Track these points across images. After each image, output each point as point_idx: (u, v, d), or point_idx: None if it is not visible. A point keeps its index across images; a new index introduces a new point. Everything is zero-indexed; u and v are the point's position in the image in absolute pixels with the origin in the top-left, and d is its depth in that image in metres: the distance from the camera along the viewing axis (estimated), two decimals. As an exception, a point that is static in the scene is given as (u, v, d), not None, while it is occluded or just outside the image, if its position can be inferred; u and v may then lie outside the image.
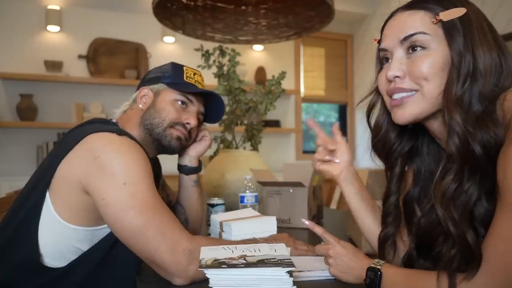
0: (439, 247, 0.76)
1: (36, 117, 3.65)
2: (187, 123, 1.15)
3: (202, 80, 1.22)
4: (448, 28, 0.71)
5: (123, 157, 0.92)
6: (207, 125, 1.29)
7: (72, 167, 0.94)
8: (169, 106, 1.13)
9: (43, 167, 1.00)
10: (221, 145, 2.00)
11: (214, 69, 1.92)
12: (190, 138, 1.19)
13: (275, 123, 4.39)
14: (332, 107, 5.14)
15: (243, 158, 1.79)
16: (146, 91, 1.16)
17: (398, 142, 0.85)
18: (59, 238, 0.96)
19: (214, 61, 1.91)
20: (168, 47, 4.15)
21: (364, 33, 4.72)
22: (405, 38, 0.74)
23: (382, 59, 0.80)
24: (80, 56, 3.87)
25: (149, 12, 2.03)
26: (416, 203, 0.85)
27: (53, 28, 3.76)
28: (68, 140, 0.99)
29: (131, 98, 1.19)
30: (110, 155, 0.92)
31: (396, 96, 0.75)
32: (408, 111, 0.74)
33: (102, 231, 0.99)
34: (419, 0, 0.76)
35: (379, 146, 0.86)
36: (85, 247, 0.98)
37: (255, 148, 1.97)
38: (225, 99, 1.90)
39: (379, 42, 0.81)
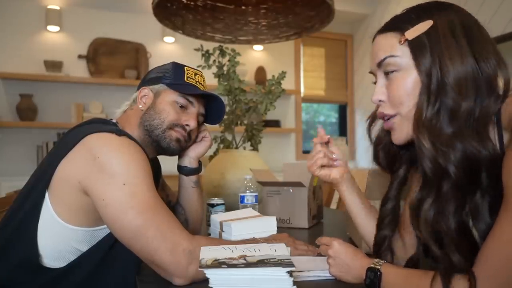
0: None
1: (36, 117, 3.65)
2: (187, 125, 1.14)
3: (204, 80, 1.22)
4: (414, 47, 0.71)
5: (123, 158, 0.92)
6: (207, 125, 1.28)
7: (71, 168, 0.94)
8: (169, 107, 1.12)
9: (42, 167, 1.00)
10: (221, 145, 2.00)
11: (214, 69, 1.92)
12: (189, 139, 1.19)
13: (275, 123, 4.39)
14: (332, 107, 5.14)
15: (243, 158, 1.79)
16: (146, 91, 1.15)
17: (404, 150, 0.85)
18: (58, 239, 0.96)
19: (214, 61, 1.91)
20: (168, 47, 4.15)
21: (364, 33, 4.72)
22: (379, 64, 0.76)
23: (374, 82, 0.82)
24: (80, 56, 3.87)
25: (149, 12, 2.03)
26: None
27: (53, 28, 3.76)
28: (67, 140, 0.98)
29: (131, 98, 1.19)
30: (110, 156, 0.91)
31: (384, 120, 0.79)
32: (396, 136, 0.77)
33: (101, 232, 0.99)
34: (392, 20, 0.77)
35: (381, 155, 0.87)
36: (84, 248, 0.98)
37: (255, 148, 1.97)
38: (225, 99, 1.91)
39: None
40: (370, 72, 0.81)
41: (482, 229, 0.66)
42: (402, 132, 0.76)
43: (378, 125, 0.87)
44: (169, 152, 1.16)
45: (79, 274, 0.97)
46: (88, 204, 0.93)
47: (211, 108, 1.23)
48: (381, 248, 0.86)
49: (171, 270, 0.85)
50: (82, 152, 0.93)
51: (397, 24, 0.75)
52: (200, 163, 1.28)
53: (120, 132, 0.97)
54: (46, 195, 0.95)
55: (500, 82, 0.68)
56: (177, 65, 1.19)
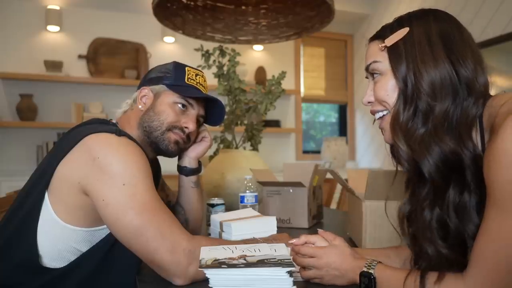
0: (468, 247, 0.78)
1: (36, 117, 3.65)
2: (186, 127, 1.14)
3: (205, 81, 1.21)
4: (391, 53, 0.76)
5: (122, 158, 0.92)
6: (207, 126, 1.28)
7: (71, 168, 0.94)
8: (168, 109, 1.12)
9: (42, 167, 1.00)
10: (221, 145, 2.00)
11: (214, 69, 1.92)
12: (189, 141, 1.18)
13: (275, 123, 4.39)
14: (332, 107, 5.14)
15: (243, 158, 1.79)
16: (147, 91, 1.15)
17: None
18: (58, 239, 0.96)
19: (214, 61, 1.91)
20: (168, 47, 4.15)
21: (364, 33, 4.72)
22: (367, 68, 0.82)
23: None
24: (80, 56, 3.87)
25: (149, 12, 2.03)
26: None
27: (53, 28, 3.76)
28: (67, 140, 0.98)
29: (131, 97, 1.19)
30: (109, 156, 0.91)
31: (376, 116, 0.82)
32: (387, 135, 0.80)
33: (101, 232, 0.99)
34: (380, 29, 0.81)
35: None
36: (84, 248, 0.98)
37: (255, 148, 1.97)
38: (225, 99, 1.91)
39: None
40: (366, 77, 0.86)
41: (471, 230, 0.67)
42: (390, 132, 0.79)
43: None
44: (167, 154, 1.15)
45: (79, 274, 0.97)
46: (87, 204, 0.93)
47: (211, 109, 1.23)
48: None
49: (171, 270, 0.85)
50: (81, 152, 0.93)
51: (382, 32, 0.80)
52: (200, 163, 1.27)
53: (120, 132, 0.97)
54: (46, 195, 0.95)
55: (477, 85, 0.70)
56: (178, 65, 1.18)
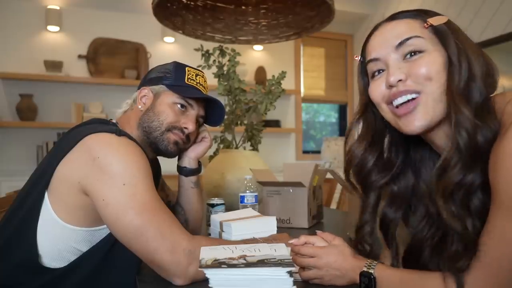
0: (426, 259, 0.79)
1: (36, 117, 3.65)
2: (185, 128, 1.14)
3: (205, 81, 1.21)
4: (441, 32, 0.74)
5: (122, 158, 0.92)
6: (207, 126, 1.28)
7: (71, 168, 0.94)
8: (168, 109, 1.12)
9: (41, 167, 1.00)
10: (221, 145, 2.00)
11: (214, 69, 1.92)
12: (188, 141, 1.18)
13: (275, 123, 4.39)
14: (332, 107, 5.14)
15: (243, 158, 1.79)
16: (146, 91, 1.15)
17: (374, 173, 0.83)
18: (57, 239, 0.96)
19: (214, 61, 1.91)
20: (168, 47, 4.15)
21: (364, 33, 4.71)
22: (400, 43, 0.74)
23: (373, 72, 0.80)
24: (80, 56, 3.87)
25: (149, 12, 2.03)
26: (404, 222, 0.85)
27: (53, 28, 3.76)
28: (67, 140, 0.98)
29: (131, 97, 1.19)
30: (109, 156, 0.91)
31: (400, 100, 0.74)
32: (421, 117, 0.73)
33: (101, 232, 0.99)
34: (401, 12, 0.78)
35: (355, 175, 0.86)
36: (84, 248, 0.98)
37: (255, 148, 1.97)
38: (225, 99, 1.91)
39: (362, 57, 0.83)
40: (372, 60, 0.79)
41: (477, 205, 0.67)
42: (427, 114, 0.73)
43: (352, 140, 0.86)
44: (166, 154, 1.15)
45: (80, 274, 0.97)
46: (87, 204, 0.93)
47: (211, 110, 1.22)
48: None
49: (171, 270, 0.85)
50: (81, 152, 0.93)
51: (412, 14, 0.77)
52: (199, 163, 1.27)
53: (120, 132, 0.97)
54: (46, 195, 0.95)
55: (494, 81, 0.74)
56: (178, 65, 1.18)
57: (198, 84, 1.17)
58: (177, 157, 1.25)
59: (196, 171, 1.26)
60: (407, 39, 0.74)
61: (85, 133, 0.95)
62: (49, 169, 0.95)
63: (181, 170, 1.25)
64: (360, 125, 0.85)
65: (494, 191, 0.62)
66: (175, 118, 1.12)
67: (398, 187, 0.85)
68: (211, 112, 1.23)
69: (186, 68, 1.17)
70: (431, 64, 0.72)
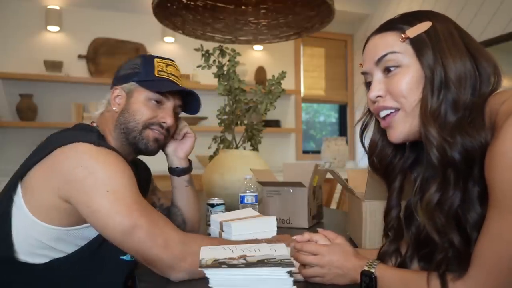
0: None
1: (36, 117, 3.64)
2: (163, 122, 1.12)
3: (177, 70, 1.17)
4: (416, 44, 0.74)
5: (103, 166, 0.92)
6: (188, 119, 1.24)
7: (50, 172, 0.94)
8: (143, 107, 1.10)
9: (22, 163, 1.01)
10: (221, 145, 2.00)
11: (214, 69, 1.92)
12: (168, 135, 1.16)
13: (275, 123, 4.39)
14: (332, 107, 5.13)
15: (243, 158, 1.79)
16: (118, 91, 1.12)
17: (398, 157, 0.85)
18: (28, 234, 0.95)
19: (214, 61, 1.91)
20: (168, 47, 4.15)
21: (364, 33, 4.72)
22: (379, 60, 0.77)
23: (367, 83, 0.83)
24: (80, 56, 3.87)
25: (149, 12, 2.03)
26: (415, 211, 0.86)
27: (53, 28, 3.76)
28: (49, 144, 0.98)
29: (106, 97, 1.16)
30: (90, 166, 0.91)
31: (382, 114, 0.78)
32: (397, 132, 0.77)
33: (77, 232, 0.98)
34: (388, 22, 0.79)
35: (376, 163, 0.87)
36: (61, 246, 0.97)
37: (255, 148, 1.97)
38: (225, 99, 1.91)
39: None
40: (363, 73, 0.82)
41: (473, 219, 0.68)
42: (403, 128, 0.76)
43: (370, 132, 0.88)
44: (148, 152, 1.14)
45: (65, 272, 0.97)
46: (64, 208, 0.93)
47: (188, 97, 1.19)
48: (385, 258, 0.86)
49: (165, 264, 0.86)
50: (60, 160, 0.93)
51: (395, 25, 0.77)
52: (190, 161, 1.26)
53: (99, 143, 0.97)
54: (19, 187, 0.95)
55: (492, 80, 0.72)
56: (146, 58, 1.14)
57: (170, 75, 1.13)
58: (166, 160, 1.24)
59: (188, 170, 1.25)
60: (384, 55, 0.76)
61: (65, 141, 0.95)
62: (28, 164, 0.96)
63: (173, 171, 1.24)
64: (374, 119, 0.87)
65: (490, 191, 0.63)
66: (151, 114, 1.10)
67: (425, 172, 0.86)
68: (188, 100, 1.20)
69: (155, 60, 1.14)
70: (405, 82, 0.74)
